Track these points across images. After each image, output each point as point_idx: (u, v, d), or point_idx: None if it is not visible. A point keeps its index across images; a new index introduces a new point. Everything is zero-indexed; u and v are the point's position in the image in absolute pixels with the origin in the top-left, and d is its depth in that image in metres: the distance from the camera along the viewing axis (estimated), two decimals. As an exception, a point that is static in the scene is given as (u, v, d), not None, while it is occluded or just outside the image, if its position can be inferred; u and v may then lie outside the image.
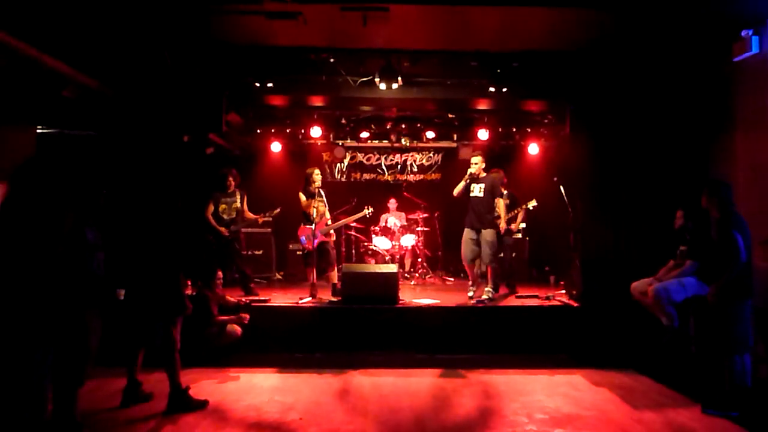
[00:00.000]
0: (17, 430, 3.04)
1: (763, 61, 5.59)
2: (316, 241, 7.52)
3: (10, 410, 3.02)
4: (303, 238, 7.68)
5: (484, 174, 7.53)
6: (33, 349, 3.08)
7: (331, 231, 7.96)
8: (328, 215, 7.85)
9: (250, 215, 8.08)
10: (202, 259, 7.26)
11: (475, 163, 7.46)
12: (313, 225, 7.48)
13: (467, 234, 7.43)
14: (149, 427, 4.23)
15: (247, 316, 6.33)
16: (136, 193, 4.99)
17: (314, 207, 7.54)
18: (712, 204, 4.73)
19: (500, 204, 7.44)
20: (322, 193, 7.64)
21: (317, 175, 7.65)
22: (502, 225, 7.44)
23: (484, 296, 7.32)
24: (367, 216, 8.57)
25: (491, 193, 7.37)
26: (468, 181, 7.47)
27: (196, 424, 4.30)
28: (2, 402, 3.02)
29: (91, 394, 4.67)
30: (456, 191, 7.58)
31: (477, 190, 7.40)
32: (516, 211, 7.92)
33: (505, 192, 8.20)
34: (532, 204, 7.83)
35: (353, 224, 9.57)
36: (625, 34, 6.47)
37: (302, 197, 7.67)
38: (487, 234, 7.24)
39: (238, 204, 8.00)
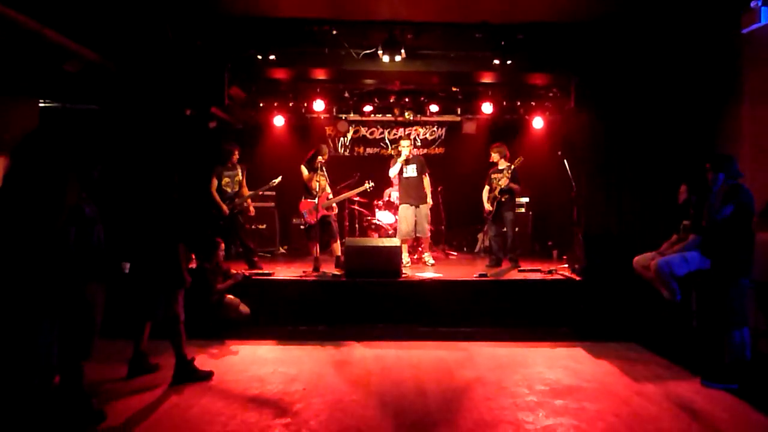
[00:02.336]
0: (26, 398, 3.09)
1: (772, 32, 5.50)
2: (318, 215, 7.55)
3: (19, 378, 3.07)
4: (305, 212, 7.70)
5: (414, 155, 8.33)
6: (40, 319, 3.11)
7: (333, 204, 7.98)
8: (328, 189, 7.87)
9: (245, 191, 8.06)
10: (205, 233, 7.29)
11: (407, 146, 8.22)
12: (316, 199, 7.49)
13: (406, 210, 8.19)
14: (155, 397, 4.29)
15: (241, 275, 6.45)
16: (138, 167, 4.98)
17: (316, 181, 7.56)
18: (714, 178, 4.70)
19: (426, 181, 8.23)
20: (323, 167, 7.65)
21: (325, 152, 7.67)
22: (429, 201, 8.32)
23: (426, 258, 8.46)
24: (368, 190, 8.57)
25: (421, 172, 8.21)
26: (402, 163, 8.18)
27: (202, 394, 4.36)
28: (10, 370, 3.06)
29: (98, 366, 4.73)
30: (393, 173, 8.37)
31: (410, 171, 8.24)
32: (509, 167, 8.00)
33: (508, 165, 8.21)
34: (518, 161, 7.91)
35: (356, 198, 9.58)
36: (630, 6, 6.37)
37: (304, 170, 7.67)
38: (424, 209, 8.21)
39: (240, 177, 8.00)
